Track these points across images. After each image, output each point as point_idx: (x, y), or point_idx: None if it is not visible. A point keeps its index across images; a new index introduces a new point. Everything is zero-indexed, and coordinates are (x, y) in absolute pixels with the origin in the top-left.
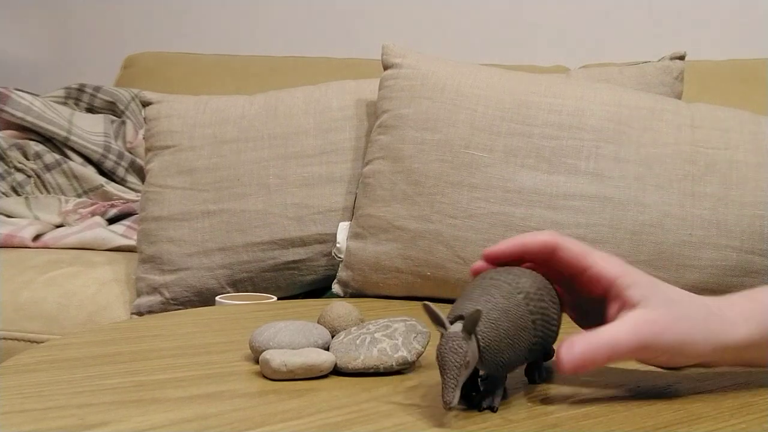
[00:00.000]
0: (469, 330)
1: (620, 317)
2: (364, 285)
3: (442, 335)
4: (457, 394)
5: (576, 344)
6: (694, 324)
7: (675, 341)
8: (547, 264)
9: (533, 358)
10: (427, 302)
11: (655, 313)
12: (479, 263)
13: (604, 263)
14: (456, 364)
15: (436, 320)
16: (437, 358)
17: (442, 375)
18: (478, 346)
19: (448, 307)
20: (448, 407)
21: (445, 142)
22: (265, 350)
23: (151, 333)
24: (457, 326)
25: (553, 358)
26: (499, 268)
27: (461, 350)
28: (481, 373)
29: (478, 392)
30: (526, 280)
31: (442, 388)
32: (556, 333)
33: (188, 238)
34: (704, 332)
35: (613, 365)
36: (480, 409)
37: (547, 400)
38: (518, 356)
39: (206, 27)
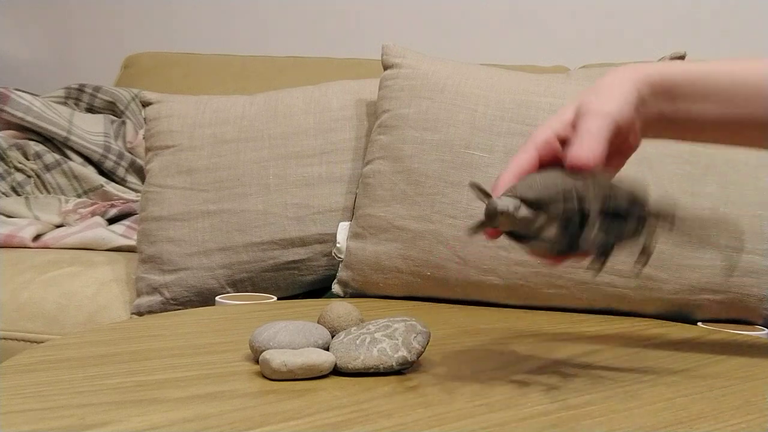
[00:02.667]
0: (488, 194)
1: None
2: (364, 285)
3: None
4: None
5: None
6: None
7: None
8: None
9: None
10: (473, 181)
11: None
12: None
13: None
14: (509, 202)
15: (481, 192)
16: (486, 211)
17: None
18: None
19: (448, 307)
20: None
21: (445, 142)
22: (265, 350)
23: (151, 333)
24: (506, 199)
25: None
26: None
27: (513, 203)
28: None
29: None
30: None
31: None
32: (632, 209)
33: (188, 238)
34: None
35: (613, 366)
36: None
37: (547, 400)
38: (563, 196)
39: (206, 27)
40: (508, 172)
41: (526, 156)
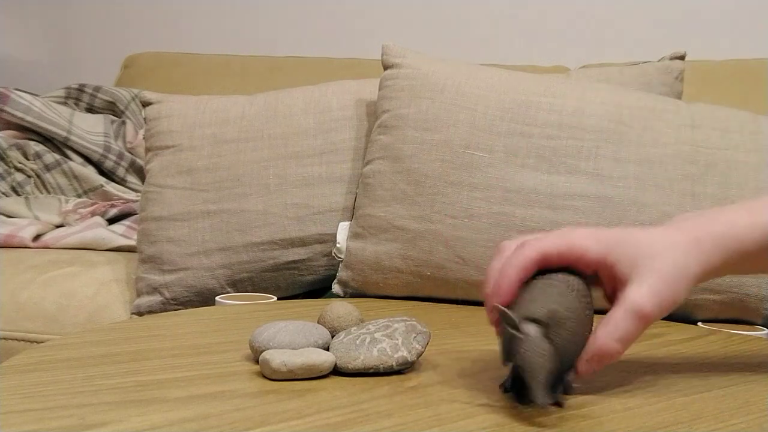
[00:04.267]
0: (547, 334)
1: (618, 303)
2: (364, 285)
3: (518, 338)
4: (546, 394)
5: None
6: (678, 274)
7: (674, 300)
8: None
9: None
10: (498, 306)
11: (647, 286)
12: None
13: (588, 245)
14: (543, 366)
15: (511, 323)
16: (518, 360)
17: (529, 378)
18: (555, 346)
19: (448, 307)
20: (541, 405)
21: (445, 142)
22: (265, 350)
23: (151, 333)
24: (532, 328)
25: None
26: (544, 270)
27: (545, 353)
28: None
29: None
30: (574, 277)
31: (532, 391)
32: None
33: (188, 238)
34: (687, 278)
35: (613, 366)
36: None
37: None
38: (578, 352)
39: (206, 27)
40: (513, 272)
41: (528, 261)
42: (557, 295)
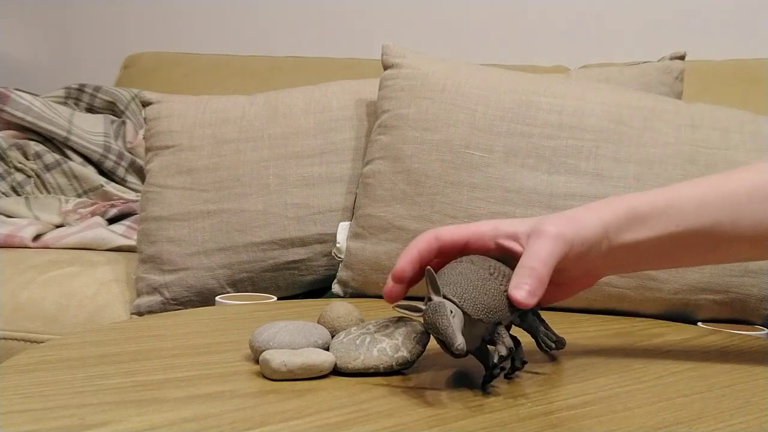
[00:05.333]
0: (435, 289)
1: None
2: (364, 285)
3: (423, 310)
4: (460, 336)
5: (520, 281)
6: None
7: (575, 229)
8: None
9: (517, 310)
10: (429, 268)
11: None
12: (390, 285)
13: (484, 228)
14: (444, 315)
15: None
16: (428, 328)
17: (439, 335)
18: (453, 302)
19: None
20: (459, 351)
21: (445, 142)
22: (265, 350)
23: (151, 333)
24: (434, 298)
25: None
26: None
27: (441, 306)
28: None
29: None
30: (477, 256)
31: (446, 341)
32: None
33: (188, 238)
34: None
35: (613, 366)
36: (494, 368)
37: (546, 400)
38: (496, 301)
39: (206, 27)
40: (409, 249)
41: (424, 241)
42: (449, 268)
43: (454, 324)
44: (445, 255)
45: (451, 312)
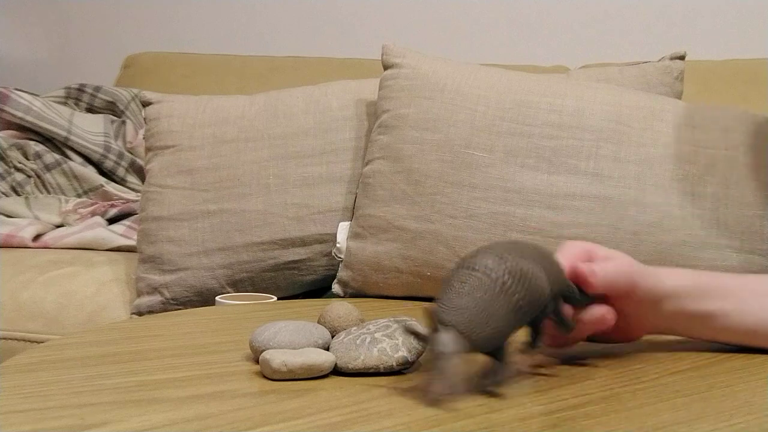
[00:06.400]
0: (436, 327)
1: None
2: (364, 285)
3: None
4: (452, 385)
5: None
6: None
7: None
8: None
9: (529, 317)
10: (426, 305)
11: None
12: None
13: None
14: (443, 359)
15: (421, 338)
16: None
17: (436, 372)
18: (459, 333)
19: None
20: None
21: (445, 142)
22: (265, 350)
23: (151, 333)
24: (442, 335)
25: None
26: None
27: (442, 354)
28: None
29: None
30: (483, 254)
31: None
32: (549, 282)
33: (188, 238)
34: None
35: (613, 366)
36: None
37: (547, 400)
38: (501, 323)
39: (206, 27)
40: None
41: None
42: (456, 284)
43: (450, 367)
44: None
45: (453, 348)
